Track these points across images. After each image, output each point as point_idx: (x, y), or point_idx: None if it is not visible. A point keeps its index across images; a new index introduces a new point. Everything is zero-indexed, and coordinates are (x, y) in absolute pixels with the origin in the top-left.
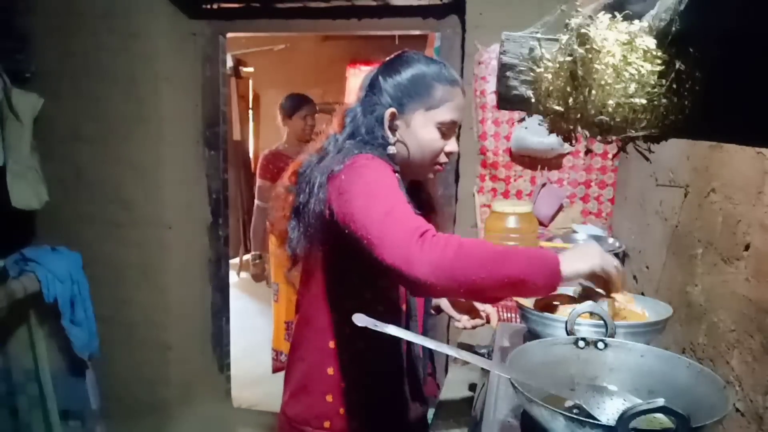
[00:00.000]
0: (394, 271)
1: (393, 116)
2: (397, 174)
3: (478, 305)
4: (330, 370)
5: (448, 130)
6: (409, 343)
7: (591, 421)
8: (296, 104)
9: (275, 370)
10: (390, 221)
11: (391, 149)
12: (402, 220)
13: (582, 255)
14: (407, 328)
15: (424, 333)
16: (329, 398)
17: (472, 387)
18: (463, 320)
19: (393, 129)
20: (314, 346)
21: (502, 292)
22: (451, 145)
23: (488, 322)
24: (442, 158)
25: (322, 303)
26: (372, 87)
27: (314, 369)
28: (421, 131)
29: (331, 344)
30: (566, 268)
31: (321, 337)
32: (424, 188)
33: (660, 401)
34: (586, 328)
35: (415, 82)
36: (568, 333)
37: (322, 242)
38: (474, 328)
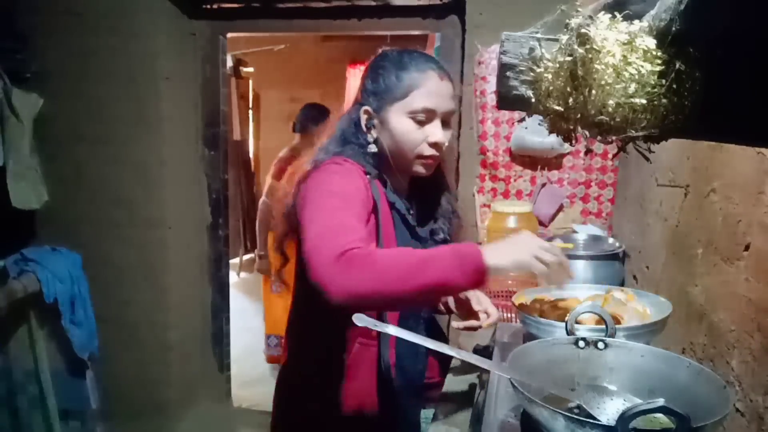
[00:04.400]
0: (317, 290)
1: (367, 114)
2: (369, 176)
3: (476, 305)
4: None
5: (424, 118)
6: (399, 347)
7: (591, 421)
8: (316, 114)
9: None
10: (321, 237)
11: (371, 148)
12: (332, 238)
13: (508, 247)
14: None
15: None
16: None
17: (472, 387)
18: (456, 323)
19: (369, 128)
20: (303, 346)
21: (426, 298)
22: (435, 135)
23: (478, 328)
24: (426, 150)
25: (308, 301)
26: (358, 92)
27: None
28: (393, 124)
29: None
30: (491, 262)
31: (309, 340)
32: (435, 185)
33: (660, 401)
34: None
35: (383, 77)
36: (569, 333)
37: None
38: (466, 329)
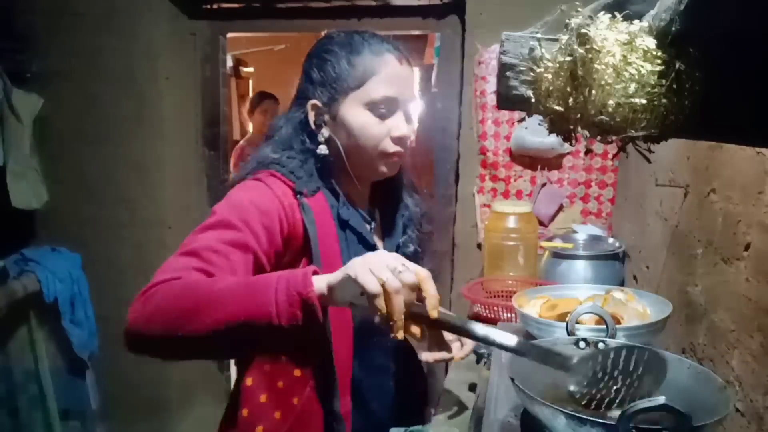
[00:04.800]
0: None
1: (316, 109)
2: (301, 195)
3: (447, 336)
4: (248, 381)
5: (385, 109)
6: (358, 392)
7: (592, 419)
8: (258, 100)
9: None
10: (167, 263)
11: (321, 149)
12: (170, 268)
13: (348, 265)
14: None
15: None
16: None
17: (472, 387)
18: (425, 355)
19: (319, 125)
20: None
21: (234, 337)
22: (399, 128)
23: (452, 358)
24: (389, 146)
25: None
26: (298, 84)
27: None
28: (349, 118)
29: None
30: (318, 283)
31: (257, 378)
32: (398, 187)
33: (661, 399)
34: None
35: (332, 64)
36: (569, 334)
37: None
38: (435, 361)
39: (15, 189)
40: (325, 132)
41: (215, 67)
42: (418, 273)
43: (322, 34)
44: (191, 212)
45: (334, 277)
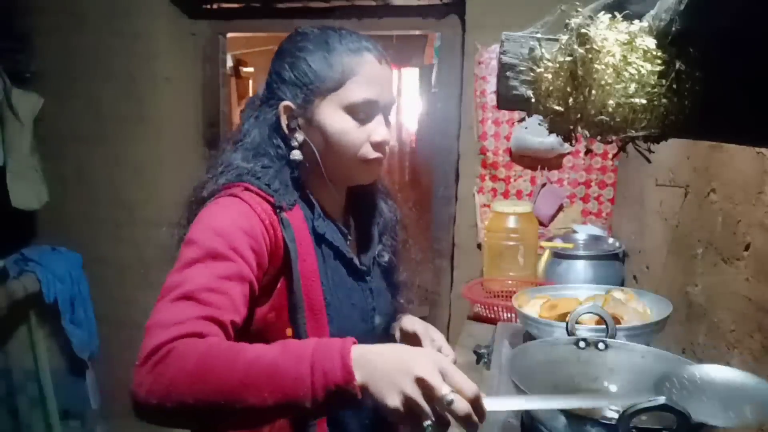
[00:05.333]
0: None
1: (289, 111)
2: (280, 209)
3: (428, 346)
4: None
5: (366, 113)
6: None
7: (591, 418)
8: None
9: None
10: (162, 313)
11: (295, 154)
12: (169, 321)
13: (384, 373)
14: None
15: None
16: None
17: None
18: None
19: (292, 129)
20: None
21: (264, 418)
22: (379, 133)
23: None
24: (369, 153)
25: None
26: (267, 83)
27: None
28: (327, 122)
29: None
30: (361, 380)
31: None
32: (373, 193)
33: (661, 399)
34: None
35: (307, 63)
36: (569, 333)
37: None
38: None
39: (15, 189)
40: (299, 136)
41: (215, 67)
42: (470, 397)
43: (295, 30)
44: None
45: (374, 384)
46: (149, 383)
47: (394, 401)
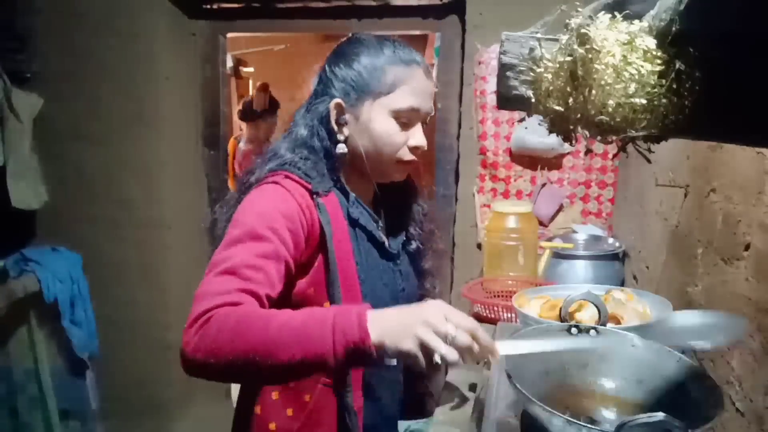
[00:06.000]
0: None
1: (339, 108)
2: (317, 196)
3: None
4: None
5: (408, 119)
6: (369, 388)
7: (589, 426)
8: (250, 114)
9: None
10: (208, 285)
11: (341, 148)
12: (213, 291)
13: (396, 327)
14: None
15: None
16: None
17: (473, 387)
18: None
19: (341, 124)
20: None
21: (295, 373)
22: (417, 138)
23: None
24: (406, 155)
25: None
26: (320, 80)
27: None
28: (373, 123)
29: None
30: (376, 338)
31: None
32: (403, 188)
33: (660, 415)
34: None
35: (363, 66)
36: (562, 320)
37: None
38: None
39: (15, 189)
40: (345, 131)
41: (215, 67)
42: (470, 331)
43: (350, 35)
44: (191, 212)
45: (391, 344)
46: (195, 342)
47: (408, 345)
